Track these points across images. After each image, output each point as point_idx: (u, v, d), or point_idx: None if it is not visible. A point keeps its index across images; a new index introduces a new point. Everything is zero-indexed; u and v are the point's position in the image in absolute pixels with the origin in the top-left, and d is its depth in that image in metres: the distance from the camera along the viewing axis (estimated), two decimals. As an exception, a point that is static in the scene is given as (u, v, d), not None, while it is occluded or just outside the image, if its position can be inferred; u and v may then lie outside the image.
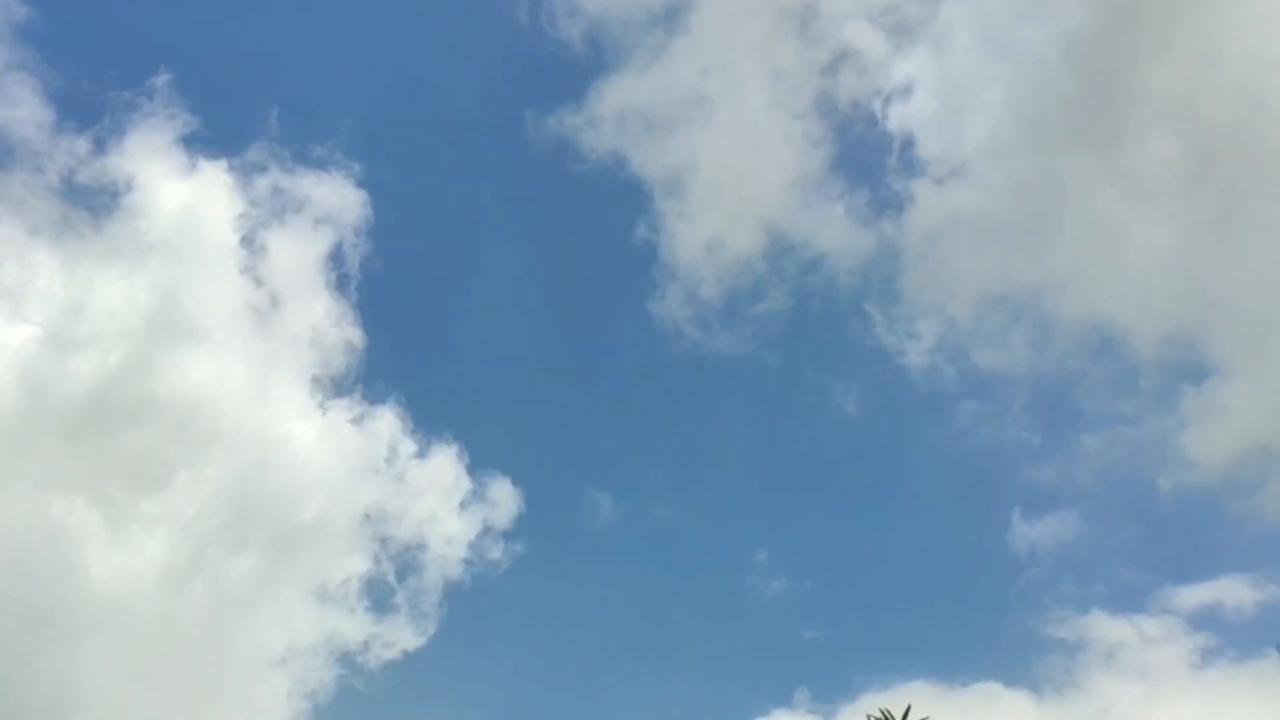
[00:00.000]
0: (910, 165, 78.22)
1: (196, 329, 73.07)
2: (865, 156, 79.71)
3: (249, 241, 75.94)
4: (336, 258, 77.85)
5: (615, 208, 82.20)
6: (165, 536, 66.35)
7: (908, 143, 78.23)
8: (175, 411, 69.81)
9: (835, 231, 77.79)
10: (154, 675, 61.96)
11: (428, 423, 73.76)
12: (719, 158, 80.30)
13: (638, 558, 74.73)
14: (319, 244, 77.84)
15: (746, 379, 79.71)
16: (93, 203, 74.51)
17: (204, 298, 73.89)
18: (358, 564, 68.76)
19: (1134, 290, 74.60)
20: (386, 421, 73.60)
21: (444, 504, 72.17)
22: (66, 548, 63.19)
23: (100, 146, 74.87)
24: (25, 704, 58.01)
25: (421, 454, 73.49)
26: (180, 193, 75.45)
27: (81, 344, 69.72)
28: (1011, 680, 63.36)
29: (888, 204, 77.71)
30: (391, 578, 69.21)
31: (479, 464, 72.81)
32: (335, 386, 74.61)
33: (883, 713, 28.37)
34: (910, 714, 28.64)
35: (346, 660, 65.69)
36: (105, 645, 61.50)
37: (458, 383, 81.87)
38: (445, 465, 73.30)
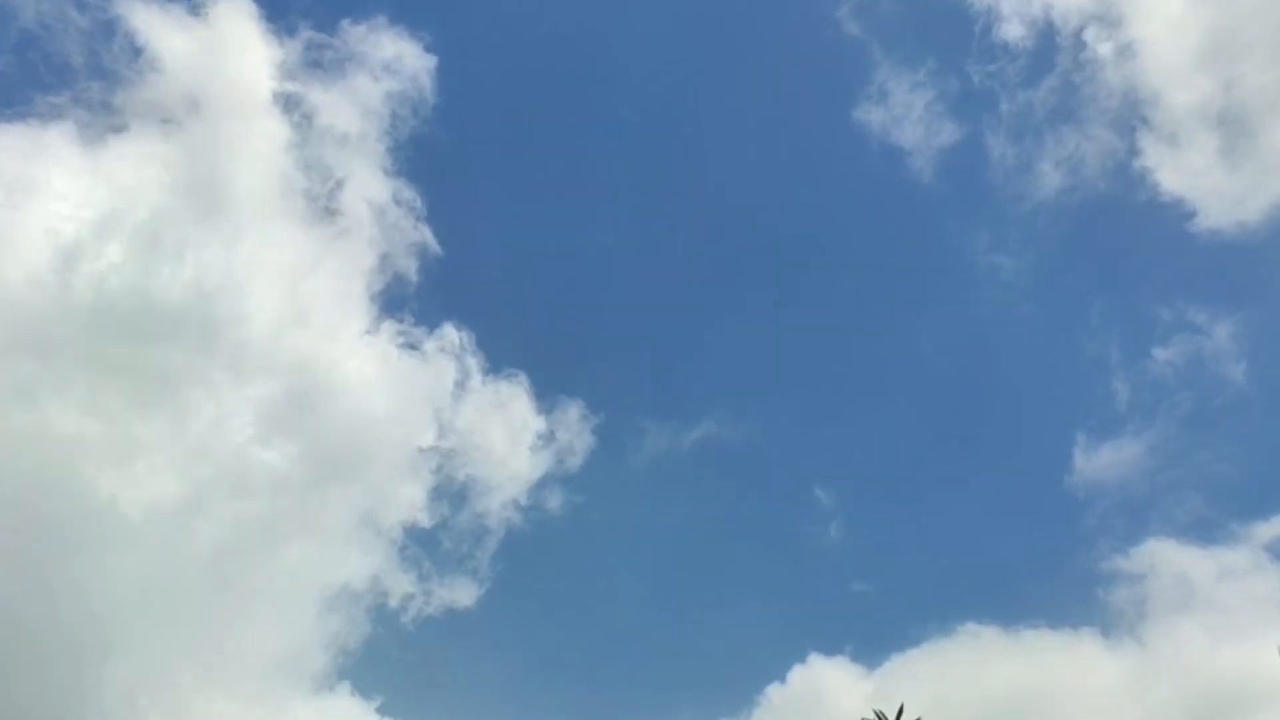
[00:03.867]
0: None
1: (228, 219, 62.34)
2: None
3: (291, 105, 64.20)
4: (394, 138, 66.38)
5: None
6: (191, 460, 59.09)
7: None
8: (200, 321, 60.81)
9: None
10: (169, 610, 55.58)
11: (495, 348, 66.19)
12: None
13: (698, 493, 71.18)
14: (372, 120, 65.95)
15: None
16: (105, 70, 64.96)
17: (237, 180, 63.01)
18: (405, 508, 61.62)
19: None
20: (448, 343, 65.04)
21: (509, 441, 64.29)
22: (78, 467, 56.23)
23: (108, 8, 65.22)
24: (39, 623, 52.17)
25: (486, 383, 65.19)
26: (202, 48, 64.24)
27: (100, 238, 59.83)
28: (1079, 621, 61.77)
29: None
30: (444, 524, 62.44)
31: (547, 390, 66.03)
32: (390, 301, 65.27)
33: (876, 714, 28.37)
34: (903, 712, 28.54)
35: (382, 614, 59.91)
36: (119, 579, 54.91)
37: (531, 302, 74.19)
38: (512, 396, 65.20)
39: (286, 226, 64.69)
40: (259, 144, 63.88)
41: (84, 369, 57.81)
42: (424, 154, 68.40)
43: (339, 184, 65.01)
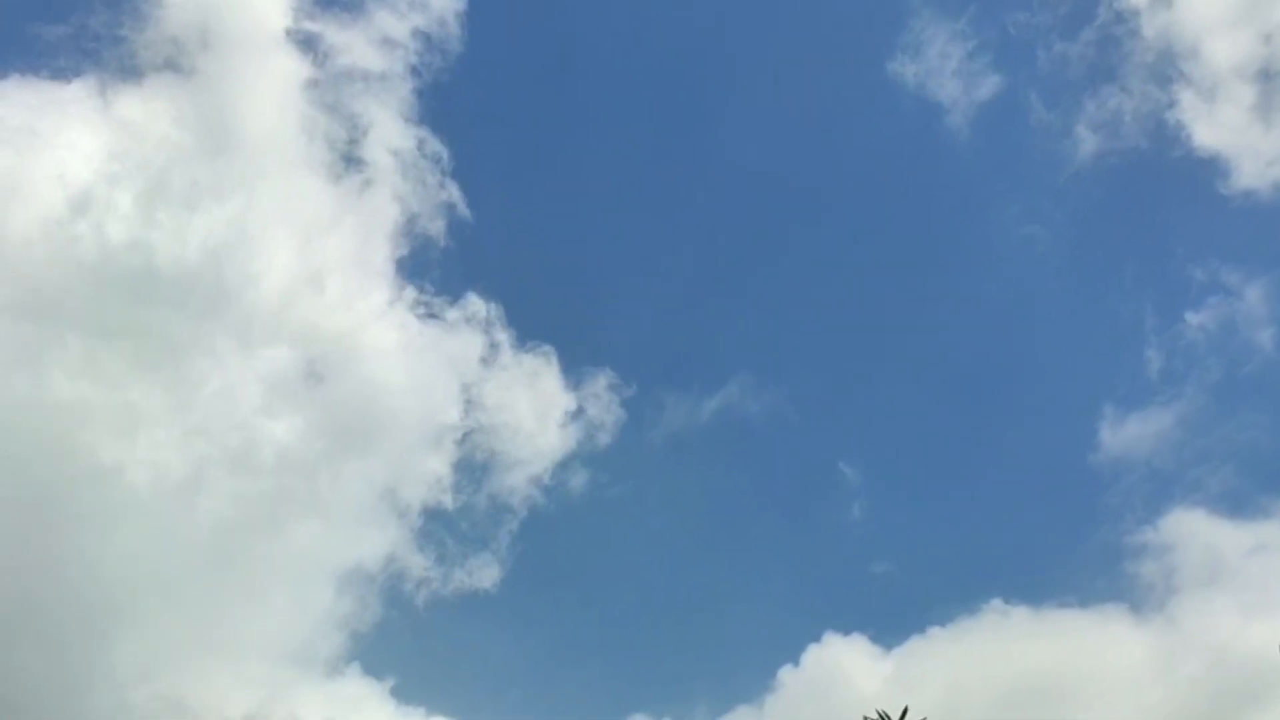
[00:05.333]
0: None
1: (242, 169, 58.92)
2: None
3: (308, 45, 60.44)
4: (420, 80, 62.10)
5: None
6: (197, 432, 56.50)
7: None
8: (210, 282, 57.78)
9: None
10: (175, 586, 53.49)
11: (524, 320, 63.40)
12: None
13: (722, 469, 69.42)
14: (397, 59, 61.89)
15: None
16: (113, 8, 61.11)
17: (251, 126, 59.43)
18: (425, 486, 59.23)
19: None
20: (474, 314, 62.21)
21: (537, 417, 61.56)
22: (81, 434, 53.83)
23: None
24: (42, 593, 50.19)
25: (514, 357, 62.25)
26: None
27: (109, 190, 56.58)
28: (1107, 597, 60.45)
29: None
30: (466, 503, 60.10)
31: (576, 364, 63.18)
32: (414, 266, 61.84)
33: (879, 714, 27.08)
34: (906, 714, 27.22)
35: (397, 595, 57.62)
36: (124, 552, 52.70)
37: (560, 272, 71.01)
38: (540, 371, 62.50)
39: (303, 177, 61.46)
40: (274, 86, 60.73)
41: (88, 331, 55.79)
42: (451, 104, 65.02)
43: (360, 130, 61.71)
